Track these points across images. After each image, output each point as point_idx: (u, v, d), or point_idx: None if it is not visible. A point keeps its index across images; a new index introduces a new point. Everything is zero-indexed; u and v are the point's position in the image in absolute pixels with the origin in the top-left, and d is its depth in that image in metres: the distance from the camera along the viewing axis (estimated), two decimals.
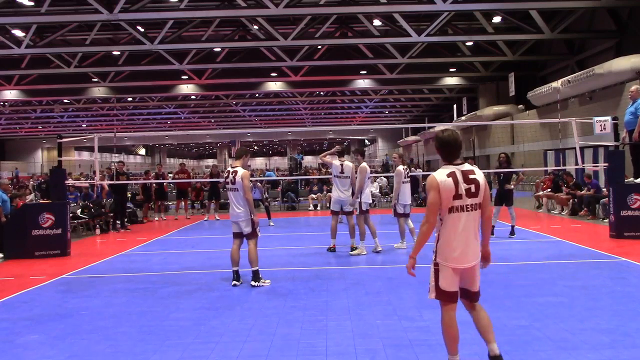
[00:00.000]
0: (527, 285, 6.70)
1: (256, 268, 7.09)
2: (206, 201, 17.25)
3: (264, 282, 7.10)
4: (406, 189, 9.83)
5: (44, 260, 9.71)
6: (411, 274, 3.83)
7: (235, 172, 7.05)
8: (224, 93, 32.70)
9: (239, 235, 7.28)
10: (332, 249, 9.55)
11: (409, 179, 9.97)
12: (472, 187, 3.73)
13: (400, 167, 9.77)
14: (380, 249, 9.47)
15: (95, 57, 23.28)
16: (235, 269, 7.19)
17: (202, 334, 5.11)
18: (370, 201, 9.83)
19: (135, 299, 6.60)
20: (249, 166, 21.35)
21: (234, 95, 34.70)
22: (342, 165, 9.51)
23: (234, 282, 7.12)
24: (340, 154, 9.78)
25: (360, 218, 9.37)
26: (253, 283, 7.04)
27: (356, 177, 9.37)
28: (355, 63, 24.87)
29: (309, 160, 66.07)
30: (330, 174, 10.21)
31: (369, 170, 9.74)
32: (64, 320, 5.77)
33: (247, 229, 7.13)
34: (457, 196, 3.69)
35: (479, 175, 3.81)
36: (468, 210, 3.71)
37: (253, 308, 5.96)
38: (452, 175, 3.71)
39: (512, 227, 11.01)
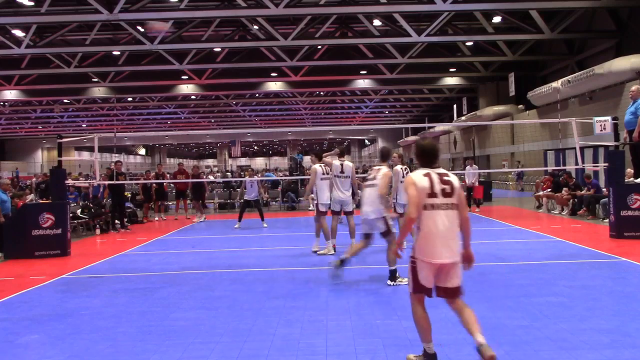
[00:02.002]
0: (527, 285, 6.69)
1: (394, 268, 6.93)
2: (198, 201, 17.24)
3: (402, 281, 6.82)
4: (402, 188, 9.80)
5: (44, 260, 9.71)
6: (397, 256, 4.26)
7: (379, 170, 7.12)
8: (224, 93, 32.70)
9: (368, 237, 7.16)
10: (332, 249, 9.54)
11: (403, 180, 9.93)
12: (447, 187, 4.02)
13: (398, 167, 9.76)
14: (327, 252, 9.29)
15: (95, 57, 23.27)
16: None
17: (202, 334, 5.10)
18: (328, 202, 9.58)
19: (135, 299, 6.60)
20: (250, 166, 21.29)
21: (234, 95, 34.70)
22: (342, 165, 9.53)
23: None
24: (340, 154, 9.79)
25: (318, 218, 9.53)
26: (389, 282, 6.93)
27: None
28: (355, 63, 24.87)
29: (309, 161, 65.96)
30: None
31: (319, 172, 9.71)
32: (64, 320, 5.77)
33: (381, 228, 6.99)
34: (433, 194, 3.99)
35: (453, 178, 4.10)
36: (444, 209, 3.99)
37: (253, 308, 5.96)
38: (427, 175, 4.06)
39: None
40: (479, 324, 3.96)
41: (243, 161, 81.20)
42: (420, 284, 4.05)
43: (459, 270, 4.06)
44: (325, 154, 10.34)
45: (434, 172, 4.08)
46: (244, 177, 26.70)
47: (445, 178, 4.06)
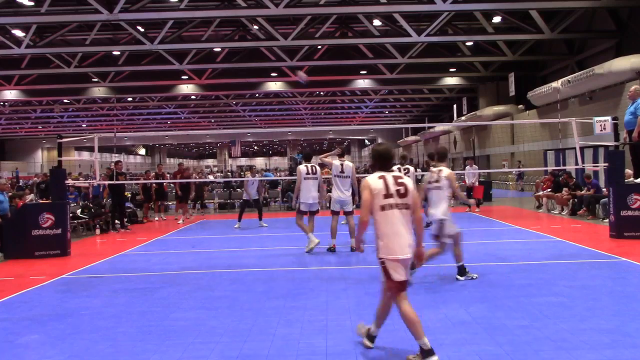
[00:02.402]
0: (527, 285, 6.69)
1: (461, 263, 7.06)
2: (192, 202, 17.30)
3: (471, 276, 7.03)
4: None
5: (44, 260, 9.71)
6: (360, 250, 4.49)
7: (441, 171, 7.09)
8: (224, 93, 32.70)
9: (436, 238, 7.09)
10: (332, 249, 9.55)
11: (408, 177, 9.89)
12: (402, 189, 4.31)
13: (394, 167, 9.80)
14: (310, 245, 9.48)
15: (95, 57, 23.27)
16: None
17: (202, 334, 5.11)
18: (312, 202, 9.70)
19: (135, 299, 6.60)
20: (254, 166, 21.41)
21: (234, 95, 34.70)
22: (342, 165, 9.54)
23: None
24: (340, 154, 9.80)
25: (297, 217, 9.78)
26: (459, 277, 7.02)
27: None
28: (355, 63, 24.87)
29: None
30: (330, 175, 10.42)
31: (302, 171, 9.76)
32: (64, 320, 5.77)
33: (450, 230, 6.94)
34: (388, 195, 4.27)
35: (407, 180, 4.41)
36: (399, 209, 4.28)
37: (253, 308, 5.96)
38: (382, 177, 4.33)
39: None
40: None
41: (243, 161, 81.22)
42: (396, 282, 4.28)
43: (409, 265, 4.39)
44: (325, 154, 10.36)
45: (388, 175, 4.35)
46: (244, 177, 26.73)
47: (400, 180, 4.35)
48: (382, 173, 4.36)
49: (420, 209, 4.42)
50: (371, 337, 4.60)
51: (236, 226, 13.99)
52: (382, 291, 4.51)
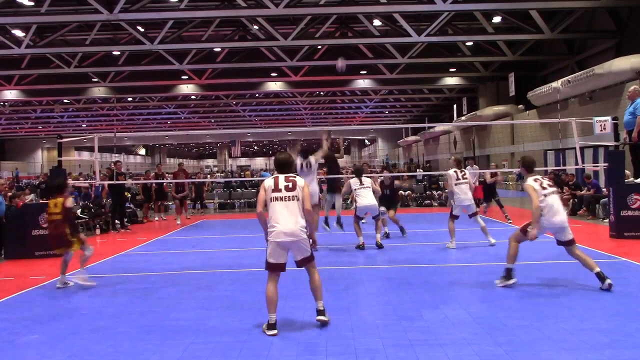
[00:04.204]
0: (527, 285, 6.70)
1: (510, 266, 6.70)
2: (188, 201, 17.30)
3: (509, 282, 6.62)
4: (465, 189, 9.74)
5: (44, 260, 9.70)
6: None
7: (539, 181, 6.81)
8: (224, 93, 32.70)
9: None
10: (361, 247, 9.89)
11: (466, 180, 9.84)
12: (290, 184, 5.24)
13: (451, 171, 9.87)
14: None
15: (95, 57, 23.27)
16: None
17: (202, 334, 5.11)
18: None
19: (135, 299, 6.59)
20: (249, 166, 21.33)
21: (234, 95, 34.70)
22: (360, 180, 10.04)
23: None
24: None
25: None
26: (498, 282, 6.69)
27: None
28: (355, 63, 24.85)
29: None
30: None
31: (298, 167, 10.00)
32: (64, 320, 5.77)
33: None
34: (277, 190, 5.22)
35: (299, 179, 5.33)
36: (286, 200, 5.18)
37: (253, 308, 5.96)
38: (275, 178, 5.30)
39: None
40: (322, 292, 5.27)
41: (243, 161, 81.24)
42: (270, 263, 5.17)
43: (304, 245, 5.17)
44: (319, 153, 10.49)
45: (282, 176, 5.30)
46: (244, 177, 26.70)
47: (291, 178, 5.29)
48: (278, 175, 5.33)
49: (309, 202, 5.26)
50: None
51: None
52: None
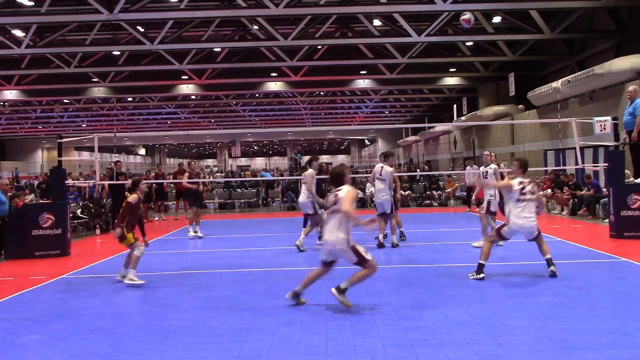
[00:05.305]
0: (527, 285, 6.70)
1: (482, 262, 7.15)
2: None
3: (479, 275, 7.07)
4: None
5: (44, 260, 9.71)
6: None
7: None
8: (224, 93, 32.67)
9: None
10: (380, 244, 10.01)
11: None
12: (334, 198, 5.92)
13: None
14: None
15: (95, 57, 23.25)
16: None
17: (202, 334, 5.11)
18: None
19: (135, 299, 6.60)
20: (249, 166, 21.33)
21: (234, 95, 34.67)
22: (382, 168, 9.97)
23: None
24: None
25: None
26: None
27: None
28: (355, 63, 24.84)
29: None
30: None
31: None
32: (64, 320, 5.77)
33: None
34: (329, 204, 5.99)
35: (341, 191, 5.87)
36: (332, 213, 5.94)
37: (253, 308, 5.96)
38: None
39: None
40: (357, 280, 5.85)
41: (243, 161, 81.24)
42: (322, 259, 6.08)
43: (345, 255, 5.82)
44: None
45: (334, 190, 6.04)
46: (244, 177, 26.68)
47: (337, 192, 5.94)
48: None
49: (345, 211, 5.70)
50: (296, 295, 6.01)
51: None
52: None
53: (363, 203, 18.58)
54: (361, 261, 5.82)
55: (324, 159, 75.40)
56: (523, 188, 7.22)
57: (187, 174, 13.22)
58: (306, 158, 16.93)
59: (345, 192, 5.87)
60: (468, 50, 24.05)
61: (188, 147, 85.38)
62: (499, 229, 7.53)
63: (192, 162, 13.80)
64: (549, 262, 7.11)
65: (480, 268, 7.09)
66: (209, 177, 29.74)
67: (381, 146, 59.65)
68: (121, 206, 14.52)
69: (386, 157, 10.43)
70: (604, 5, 17.41)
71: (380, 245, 10.02)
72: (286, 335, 5.00)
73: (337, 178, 6.13)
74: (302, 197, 10.10)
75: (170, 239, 12.76)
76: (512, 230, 7.27)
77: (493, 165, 10.19)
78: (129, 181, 10.95)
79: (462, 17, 13.26)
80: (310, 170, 10.12)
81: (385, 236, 11.22)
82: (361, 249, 5.87)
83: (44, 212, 10.24)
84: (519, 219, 7.12)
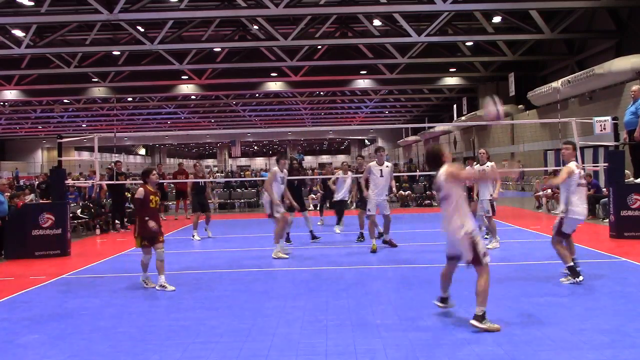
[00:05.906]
0: (527, 285, 6.69)
1: (571, 264, 6.60)
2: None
3: (577, 279, 6.52)
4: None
5: (44, 260, 9.71)
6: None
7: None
8: (224, 93, 32.69)
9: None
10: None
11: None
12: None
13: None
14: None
15: (95, 57, 23.26)
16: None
17: (202, 334, 5.11)
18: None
19: (135, 299, 6.60)
20: (249, 166, 21.35)
21: (234, 95, 34.68)
22: (381, 170, 9.88)
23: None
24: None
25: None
26: (565, 280, 6.66)
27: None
28: (355, 63, 24.86)
29: (309, 160, 66.05)
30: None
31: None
32: (64, 320, 5.77)
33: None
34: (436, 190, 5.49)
35: (441, 173, 5.22)
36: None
37: (253, 308, 5.96)
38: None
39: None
40: (483, 298, 5.09)
41: (243, 161, 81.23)
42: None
43: (460, 244, 5.22)
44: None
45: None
46: (243, 177, 26.66)
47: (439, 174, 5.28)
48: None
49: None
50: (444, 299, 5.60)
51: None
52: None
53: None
54: (475, 259, 5.07)
55: (324, 158, 75.44)
56: (581, 171, 6.61)
57: (191, 176, 13.16)
58: (308, 158, 16.99)
59: (444, 170, 5.17)
60: (468, 50, 24.06)
61: (188, 147, 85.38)
62: (559, 228, 6.66)
63: (197, 164, 13.67)
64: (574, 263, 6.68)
65: (572, 270, 6.55)
66: (209, 177, 29.71)
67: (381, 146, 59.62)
68: (121, 206, 14.58)
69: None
70: (604, 5, 17.42)
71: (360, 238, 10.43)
72: (286, 335, 4.99)
73: (434, 159, 5.37)
74: (264, 196, 9.78)
75: (170, 239, 12.74)
76: (578, 221, 6.50)
77: (490, 163, 10.19)
78: (129, 181, 10.93)
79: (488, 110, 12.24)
80: (274, 169, 9.52)
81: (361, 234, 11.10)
82: (480, 245, 5.08)
83: (44, 212, 10.24)
84: (579, 206, 6.44)
